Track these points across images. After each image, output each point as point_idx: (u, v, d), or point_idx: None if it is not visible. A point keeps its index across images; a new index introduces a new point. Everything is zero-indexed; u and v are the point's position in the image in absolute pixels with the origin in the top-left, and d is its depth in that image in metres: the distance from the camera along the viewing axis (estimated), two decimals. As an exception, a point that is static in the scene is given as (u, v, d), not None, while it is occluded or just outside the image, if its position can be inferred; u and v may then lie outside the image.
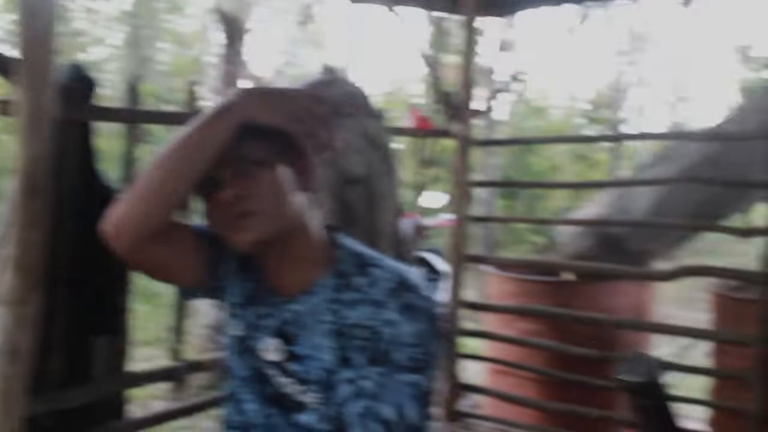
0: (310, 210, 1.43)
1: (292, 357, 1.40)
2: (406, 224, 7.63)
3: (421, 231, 7.42)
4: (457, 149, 3.86)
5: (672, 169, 4.11)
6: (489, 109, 14.74)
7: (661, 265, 4.43)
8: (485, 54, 14.84)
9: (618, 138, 9.34)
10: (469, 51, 3.89)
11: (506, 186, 12.58)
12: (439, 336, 1.42)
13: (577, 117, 18.82)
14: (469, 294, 4.70)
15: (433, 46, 9.08)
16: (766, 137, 3.29)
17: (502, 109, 18.75)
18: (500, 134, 15.39)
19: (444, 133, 3.96)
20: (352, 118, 3.41)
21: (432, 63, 3.92)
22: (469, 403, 4.67)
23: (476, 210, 12.92)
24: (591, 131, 16.92)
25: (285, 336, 1.42)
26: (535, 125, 16.41)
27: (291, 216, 1.37)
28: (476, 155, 13.89)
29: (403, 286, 1.39)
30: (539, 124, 16.65)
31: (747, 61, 18.07)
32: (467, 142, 3.84)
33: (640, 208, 4.23)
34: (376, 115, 3.59)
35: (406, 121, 4.25)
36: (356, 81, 3.48)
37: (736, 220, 5.42)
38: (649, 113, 21.13)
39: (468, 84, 3.85)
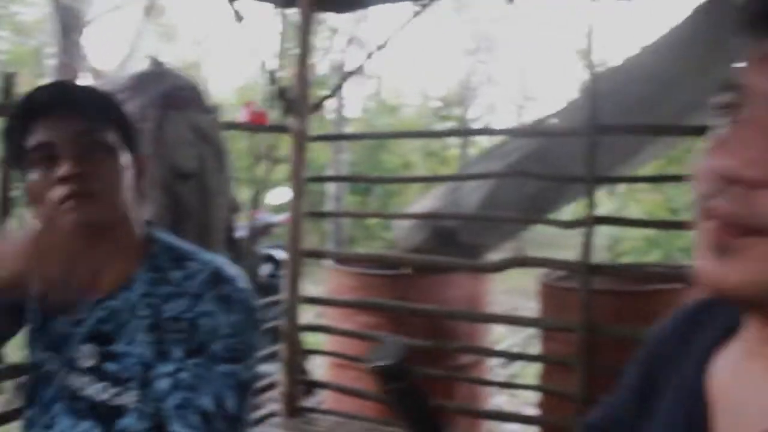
0: (135, 204, 1.42)
1: (108, 357, 1.37)
2: (253, 221, 7.60)
3: (268, 227, 7.40)
4: (293, 145, 3.86)
5: (501, 164, 4.27)
6: (339, 105, 14.82)
7: (494, 256, 4.59)
8: (337, 50, 14.91)
9: (454, 133, 9.59)
10: (304, 46, 3.89)
11: (345, 180, 12.71)
12: (257, 326, 1.43)
13: (428, 115, 19.25)
14: (316, 289, 4.71)
15: (282, 41, 9.06)
16: (585, 133, 3.44)
17: (353, 106, 18.96)
18: (351, 131, 15.54)
19: (280, 129, 3.95)
20: (182, 111, 3.35)
21: (266, 58, 3.89)
22: (312, 398, 4.68)
23: (327, 206, 13.04)
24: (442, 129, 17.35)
25: (100, 337, 1.39)
26: (388, 123, 16.66)
27: (124, 206, 1.37)
28: (326, 152, 14.01)
29: (219, 278, 1.39)
30: (391, 121, 16.92)
31: (587, 62, 18.94)
32: (303, 138, 3.84)
33: (471, 202, 4.37)
34: (208, 109, 3.54)
35: (243, 117, 4.20)
36: (189, 74, 3.42)
37: (577, 211, 5.67)
38: (499, 112, 21.90)
39: (303, 79, 3.85)
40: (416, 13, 3.97)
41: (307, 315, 4.51)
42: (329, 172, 13.09)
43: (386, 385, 0.91)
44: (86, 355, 1.38)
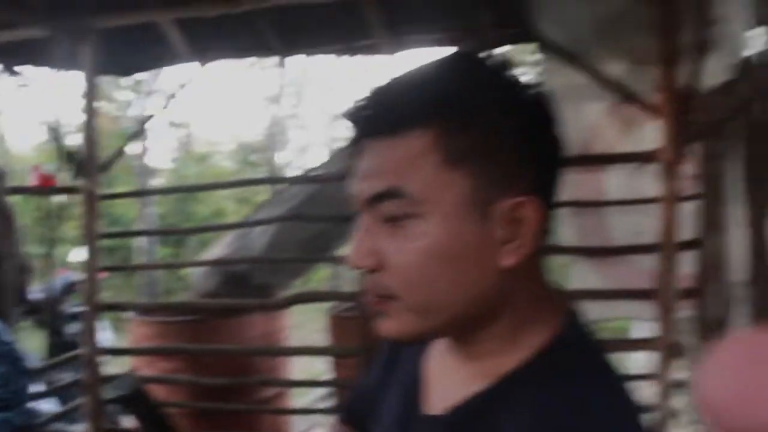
0: None
1: None
2: (58, 281, 7.53)
3: (72, 286, 7.35)
4: (83, 204, 4.02)
5: (283, 209, 4.59)
6: (142, 158, 14.69)
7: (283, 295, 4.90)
8: (140, 105, 14.84)
9: (253, 182, 9.68)
10: (89, 108, 4.07)
11: (135, 235, 12.74)
12: (25, 375, 1.61)
13: (238, 162, 19.39)
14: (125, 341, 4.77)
15: (71, 102, 8.90)
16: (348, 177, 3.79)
17: (161, 158, 18.79)
18: (161, 183, 15.46)
19: (69, 190, 4.09)
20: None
21: (52, 121, 4.04)
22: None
23: (138, 260, 12.91)
24: (252, 175, 17.57)
25: None
26: (197, 171, 16.66)
27: None
28: (134, 206, 13.87)
29: None
30: (201, 170, 16.93)
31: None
32: (93, 197, 4.01)
33: (258, 246, 4.66)
34: (-8, 175, 3.67)
35: (31, 180, 4.32)
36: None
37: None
38: (310, 154, 22.34)
39: (90, 139, 4.03)
40: (198, 70, 4.26)
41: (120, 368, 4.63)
42: (139, 227, 12.98)
43: (126, 410, 1.17)
44: None
